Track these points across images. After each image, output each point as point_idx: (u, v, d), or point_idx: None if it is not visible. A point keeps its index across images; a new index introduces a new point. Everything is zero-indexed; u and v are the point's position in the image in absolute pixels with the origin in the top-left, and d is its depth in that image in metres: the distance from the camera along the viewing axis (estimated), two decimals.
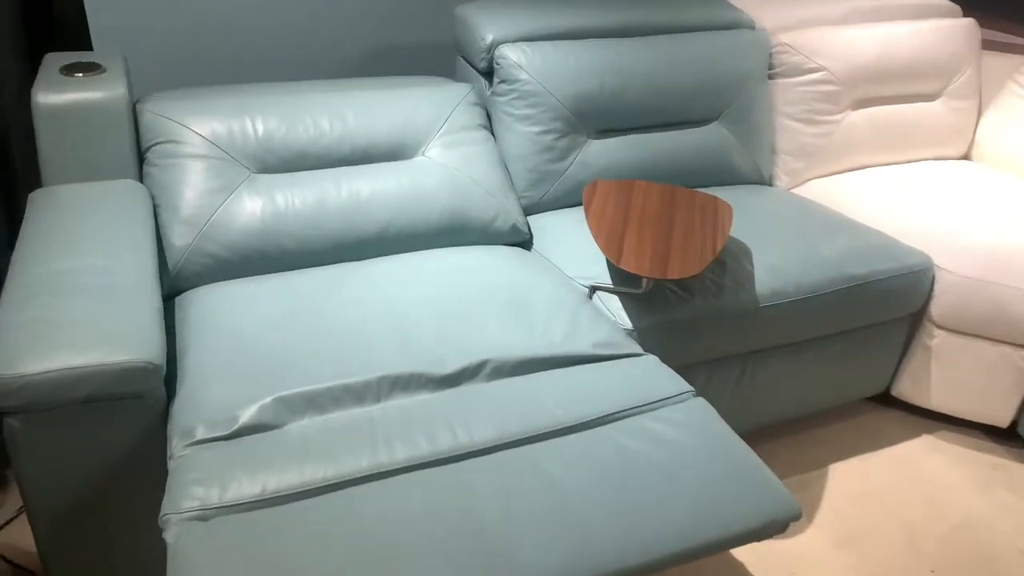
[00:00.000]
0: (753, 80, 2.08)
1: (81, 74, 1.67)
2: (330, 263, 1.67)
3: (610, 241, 1.41)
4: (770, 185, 2.18)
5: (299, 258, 1.63)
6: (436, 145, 1.79)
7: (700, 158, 2.04)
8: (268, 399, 1.16)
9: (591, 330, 1.37)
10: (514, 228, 1.81)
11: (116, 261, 1.35)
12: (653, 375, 1.27)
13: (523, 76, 1.88)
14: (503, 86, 1.90)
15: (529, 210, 1.93)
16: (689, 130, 2.04)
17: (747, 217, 1.84)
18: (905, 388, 1.89)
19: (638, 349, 1.35)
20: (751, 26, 2.17)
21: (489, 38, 1.92)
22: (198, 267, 1.57)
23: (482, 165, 1.80)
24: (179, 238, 1.57)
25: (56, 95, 1.58)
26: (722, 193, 2.01)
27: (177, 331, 1.41)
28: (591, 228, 1.46)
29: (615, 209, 1.54)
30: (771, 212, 1.90)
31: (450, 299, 1.46)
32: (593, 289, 1.57)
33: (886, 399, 1.98)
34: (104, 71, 1.68)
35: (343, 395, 1.18)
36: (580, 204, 1.97)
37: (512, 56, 1.88)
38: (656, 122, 2.00)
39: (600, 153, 1.94)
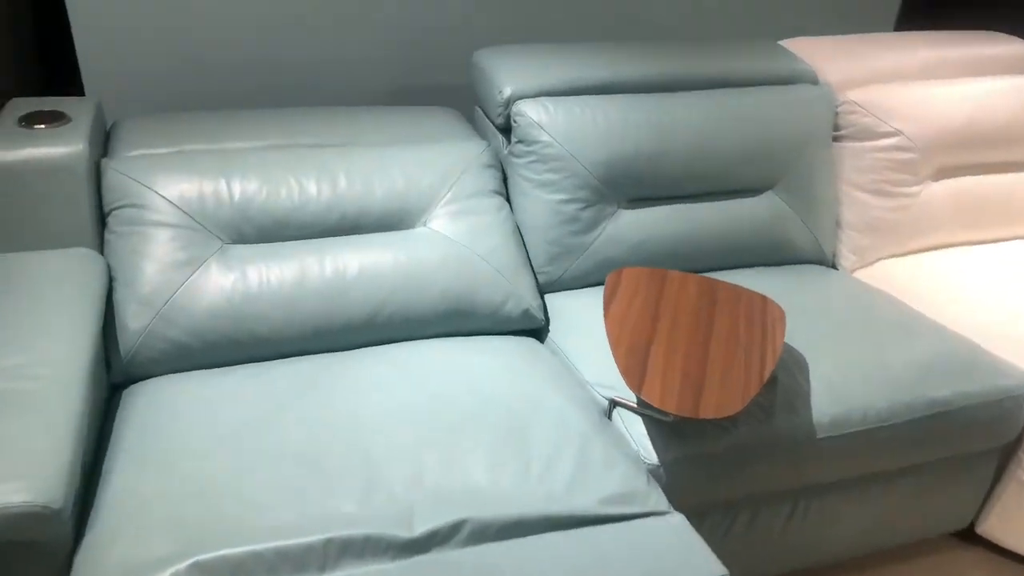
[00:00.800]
0: (815, 143, 1.80)
1: (43, 125, 1.47)
2: (311, 351, 1.44)
3: (631, 359, 1.15)
4: (832, 266, 1.88)
5: (273, 346, 1.41)
6: (440, 214, 1.55)
7: (752, 233, 1.76)
8: (183, 565, 0.92)
9: (604, 474, 1.11)
10: (526, 314, 1.55)
11: (38, 357, 1.13)
12: (677, 547, 1.00)
13: (544, 137, 1.63)
14: (521, 147, 1.66)
15: (548, 287, 1.67)
16: (739, 200, 1.77)
17: (803, 311, 1.55)
18: (992, 527, 1.58)
19: (662, 504, 1.08)
20: (813, 80, 1.89)
21: (507, 91, 1.67)
22: (155, 353, 1.35)
23: (493, 238, 1.55)
24: (134, 319, 1.35)
25: (5, 150, 1.38)
26: (777, 275, 1.73)
27: (111, 439, 1.19)
28: (610, 337, 1.20)
29: (641, 311, 1.28)
30: (832, 305, 1.61)
31: (436, 417, 1.21)
32: (613, 404, 1.31)
33: (969, 535, 1.66)
34: (68, 122, 1.49)
35: (279, 562, 0.94)
36: (601, 282, 1.70)
37: (532, 114, 1.64)
38: (700, 190, 1.73)
39: (632, 225, 1.68)
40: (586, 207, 1.65)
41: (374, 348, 1.44)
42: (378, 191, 1.53)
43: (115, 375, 1.35)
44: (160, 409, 1.24)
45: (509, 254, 1.56)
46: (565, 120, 1.63)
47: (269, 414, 1.20)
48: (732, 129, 1.72)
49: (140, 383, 1.34)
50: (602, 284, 1.70)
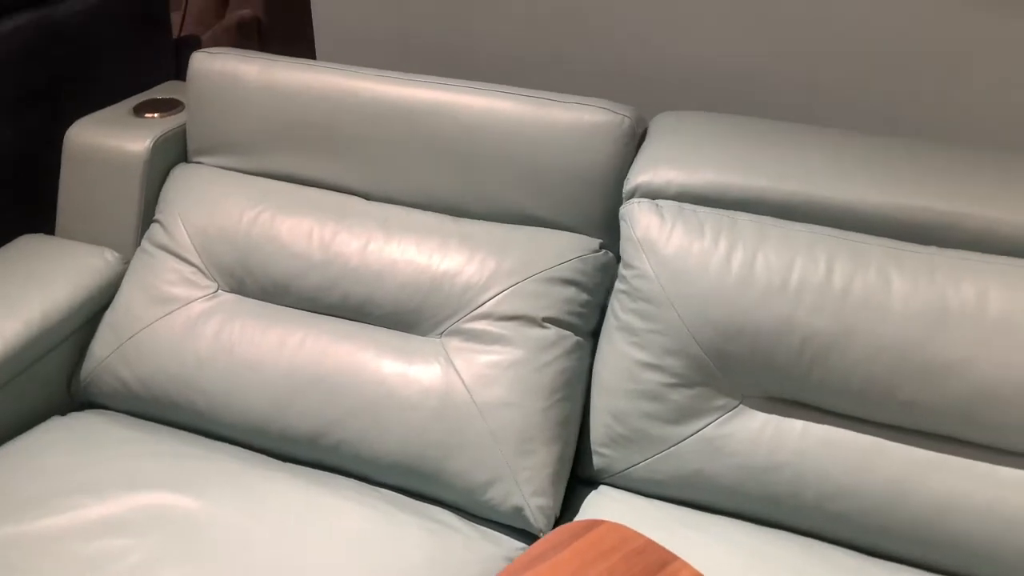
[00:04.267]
0: None
1: (156, 114, 1.41)
2: (248, 447, 1.16)
3: None
4: None
5: (208, 424, 1.17)
6: (464, 328, 1.11)
7: (1013, 535, 0.94)
8: None
9: None
10: (517, 513, 1.05)
11: None
12: None
13: (639, 261, 1.05)
14: (621, 267, 1.10)
15: (601, 476, 1.12)
16: (1003, 470, 0.96)
17: None
18: None
19: None
20: None
21: (635, 179, 1.12)
22: (107, 388, 1.22)
23: (509, 388, 1.07)
24: (100, 345, 1.23)
25: (85, 134, 1.35)
26: None
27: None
28: None
29: None
30: None
31: None
32: None
33: None
34: (176, 112, 1.40)
35: None
36: (688, 502, 1.08)
37: (638, 220, 1.07)
38: (915, 424, 0.97)
39: (763, 437, 1.02)
40: (679, 386, 1.04)
41: (311, 477, 1.08)
42: (394, 276, 1.15)
43: (73, 393, 1.25)
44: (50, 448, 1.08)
45: (524, 419, 1.06)
46: (681, 242, 1.03)
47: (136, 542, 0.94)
48: (996, 341, 0.91)
49: (87, 411, 1.22)
50: (684, 504, 1.08)
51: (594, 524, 0.83)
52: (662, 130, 1.18)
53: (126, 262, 1.31)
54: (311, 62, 1.30)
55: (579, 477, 1.16)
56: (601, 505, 1.08)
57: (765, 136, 1.13)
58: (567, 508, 1.10)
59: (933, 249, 0.99)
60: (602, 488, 1.12)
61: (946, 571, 0.99)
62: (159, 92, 1.50)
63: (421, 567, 0.93)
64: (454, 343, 1.11)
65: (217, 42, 2.22)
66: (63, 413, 1.21)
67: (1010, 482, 0.95)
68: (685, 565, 0.79)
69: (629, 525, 1.00)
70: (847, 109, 1.34)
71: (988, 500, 0.95)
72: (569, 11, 1.44)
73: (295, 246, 1.19)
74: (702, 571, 0.91)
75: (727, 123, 1.18)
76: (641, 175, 1.11)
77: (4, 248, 1.31)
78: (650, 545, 0.81)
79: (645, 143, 1.18)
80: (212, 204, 1.26)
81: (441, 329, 1.13)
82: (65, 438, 1.11)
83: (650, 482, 1.08)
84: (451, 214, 1.23)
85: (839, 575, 0.96)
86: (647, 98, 1.47)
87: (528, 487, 1.04)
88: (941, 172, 1.04)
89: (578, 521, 0.84)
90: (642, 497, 1.09)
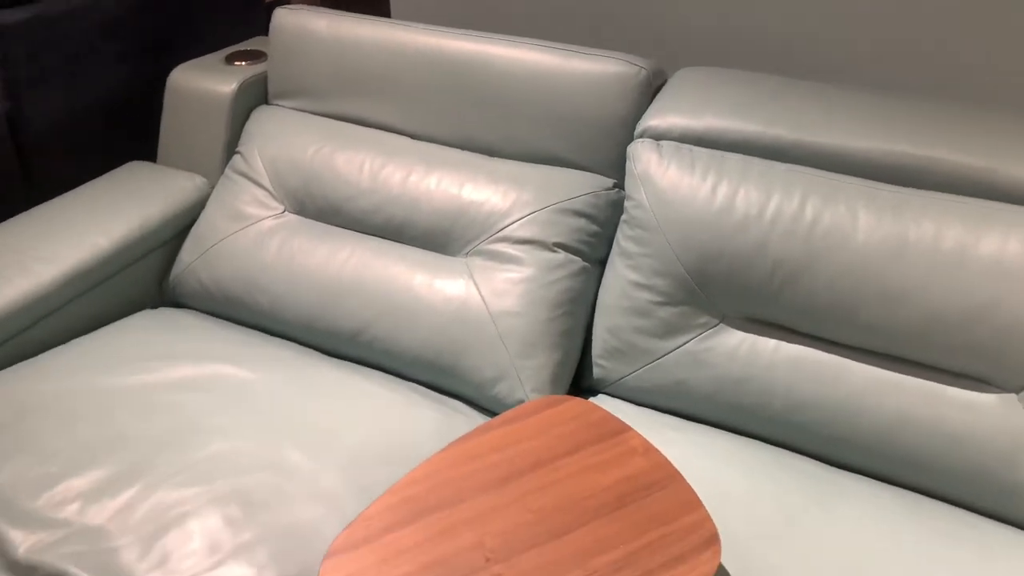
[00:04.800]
0: None
1: (243, 63, 1.64)
2: (302, 342, 1.36)
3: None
4: None
5: (270, 322, 1.37)
6: (483, 250, 1.28)
7: (955, 451, 1.04)
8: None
9: None
10: (519, 405, 1.20)
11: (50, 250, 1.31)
12: None
13: (638, 192, 1.19)
14: (625, 198, 1.25)
15: (600, 386, 1.27)
16: (949, 390, 1.06)
17: None
18: None
19: None
20: None
21: (646, 122, 1.26)
22: (188, 288, 1.44)
23: (519, 300, 1.23)
24: (186, 252, 1.46)
25: (183, 77, 1.58)
26: (988, 545, 1.00)
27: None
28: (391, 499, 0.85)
29: (509, 480, 0.87)
30: None
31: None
32: None
33: None
34: (260, 62, 1.62)
35: None
36: (673, 411, 1.21)
37: (640, 156, 1.21)
38: (876, 347, 1.08)
39: (738, 353, 1.14)
40: (665, 304, 1.17)
41: (351, 370, 1.27)
42: (430, 202, 1.32)
43: (163, 293, 1.49)
44: (132, 333, 1.31)
45: (529, 326, 1.22)
46: (673, 176, 1.16)
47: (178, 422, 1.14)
48: (967, 276, 1.01)
49: (173, 308, 1.45)
50: (670, 412, 1.21)
51: (563, 399, 0.99)
52: (679, 82, 1.31)
53: (212, 186, 1.54)
54: (371, 18, 1.48)
55: (582, 387, 1.31)
56: None
57: (771, 89, 1.24)
58: None
59: (906, 190, 1.08)
60: (600, 396, 1.27)
61: (901, 483, 1.10)
62: (249, 45, 1.71)
63: (428, 435, 1.11)
64: (476, 262, 1.28)
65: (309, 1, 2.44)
66: (154, 308, 1.45)
67: (955, 402, 1.04)
68: (636, 435, 0.93)
69: None
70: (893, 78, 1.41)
71: (935, 418, 1.04)
72: None
73: (348, 175, 1.38)
74: (678, 468, 1.04)
75: (740, 77, 1.29)
76: (650, 120, 1.25)
77: (114, 172, 1.56)
78: (608, 417, 0.96)
79: (660, 92, 1.31)
80: (284, 139, 1.46)
81: (467, 250, 1.30)
82: (152, 324, 1.34)
83: (640, 391, 1.22)
84: (484, 153, 1.40)
85: (801, 478, 1.07)
86: (692, 59, 1.58)
87: (529, 384, 1.20)
88: (926, 122, 1.13)
89: (549, 396, 0.99)
90: (632, 405, 1.23)
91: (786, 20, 1.47)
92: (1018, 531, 1.01)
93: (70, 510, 0.93)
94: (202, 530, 0.91)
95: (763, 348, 1.13)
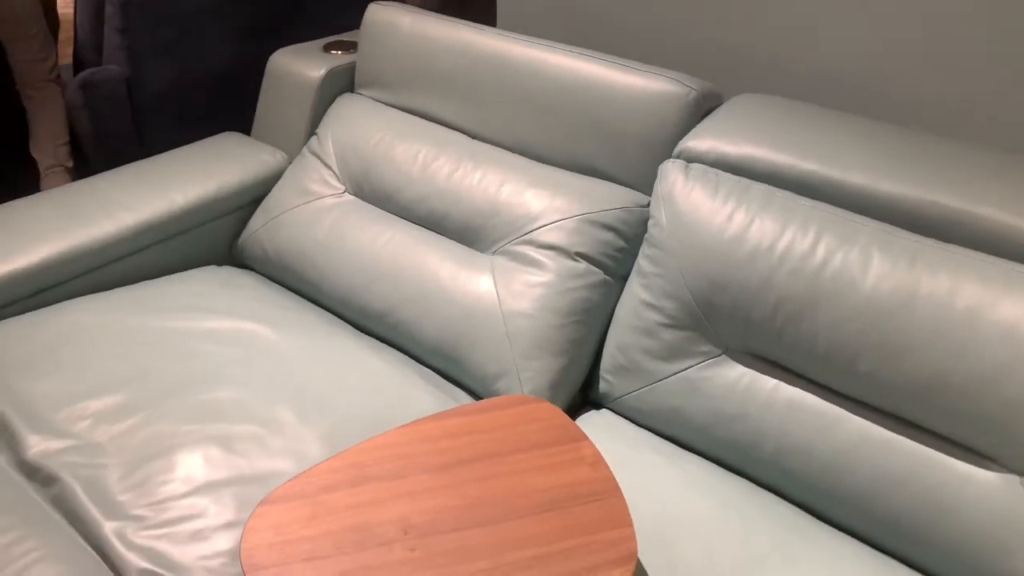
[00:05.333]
0: None
1: (339, 52, 1.76)
2: (342, 316, 1.45)
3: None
4: None
5: (315, 293, 1.48)
6: (510, 250, 1.32)
7: (945, 525, 0.98)
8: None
9: None
10: None
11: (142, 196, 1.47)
12: None
13: (659, 213, 1.19)
14: (649, 217, 1.25)
15: (604, 400, 1.28)
16: (952, 461, 0.99)
17: None
18: None
19: None
20: None
21: (684, 143, 1.25)
22: (252, 252, 1.57)
23: (532, 303, 1.26)
24: (255, 219, 1.59)
25: (282, 60, 1.72)
26: None
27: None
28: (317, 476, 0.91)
29: (458, 472, 0.91)
30: None
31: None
32: None
33: None
34: (353, 51, 1.74)
35: None
36: (670, 437, 1.21)
37: (669, 176, 1.21)
38: (874, 402, 1.03)
39: (737, 388, 1.12)
40: (670, 326, 1.17)
41: (373, 347, 1.34)
42: (471, 198, 1.38)
43: (233, 254, 1.63)
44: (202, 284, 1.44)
45: (537, 330, 1.24)
46: (695, 199, 1.16)
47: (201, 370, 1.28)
48: (994, 340, 0.95)
49: (235, 268, 1.58)
50: (668, 438, 1.21)
51: (532, 400, 1.01)
52: (731, 106, 1.29)
53: (291, 162, 1.66)
54: (451, 19, 1.55)
55: (591, 400, 1.32)
56: (591, 421, 1.23)
57: (818, 122, 1.21)
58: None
59: (928, 240, 1.03)
60: (603, 411, 1.27)
61: (882, 548, 1.04)
62: (349, 35, 1.83)
63: (416, 416, 1.16)
64: (501, 261, 1.32)
65: (424, 4, 2.56)
66: (219, 266, 1.58)
67: (952, 473, 0.98)
68: (590, 444, 0.94)
69: (609, 441, 1.17)
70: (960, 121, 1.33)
71: (928, 486, 0.98)
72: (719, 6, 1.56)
73: (402, 165, 1.46)
74: (654, 490, 1.04)
75: (792, 108, 1.26)
76: (689, 141, 1.24)
77: (208, 139, 1.71)
78: (570, 424, 0.97)
79: (710, 116, 1.30)
80: (355, 125, 1.56)
81: (495, 248, 1.34)
82: (210, 279, 1.47)
83: (638, 411, 1.22)
84: (532, 158, 1.43)
85: (775, 524, 1.04)
86: (767, 87, 1.55)
87: (528, 385, 1.23)
88: (965, 171, 1.06)
89: (520, 395, 1.01)
90: (629, 423, 1.23)
91: (873, 58, 1.41)
92: None
93: (81, 426, 1.05)
94: (183, 463, 1.00)
95: (762, 387, 1.10)
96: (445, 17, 1.57)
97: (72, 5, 1.90)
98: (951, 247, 1.01)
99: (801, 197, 1.11)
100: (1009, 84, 1.27)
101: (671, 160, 1.22)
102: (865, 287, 1.01)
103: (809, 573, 0.95)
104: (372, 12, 1.63)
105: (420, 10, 1.60)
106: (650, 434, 1.21)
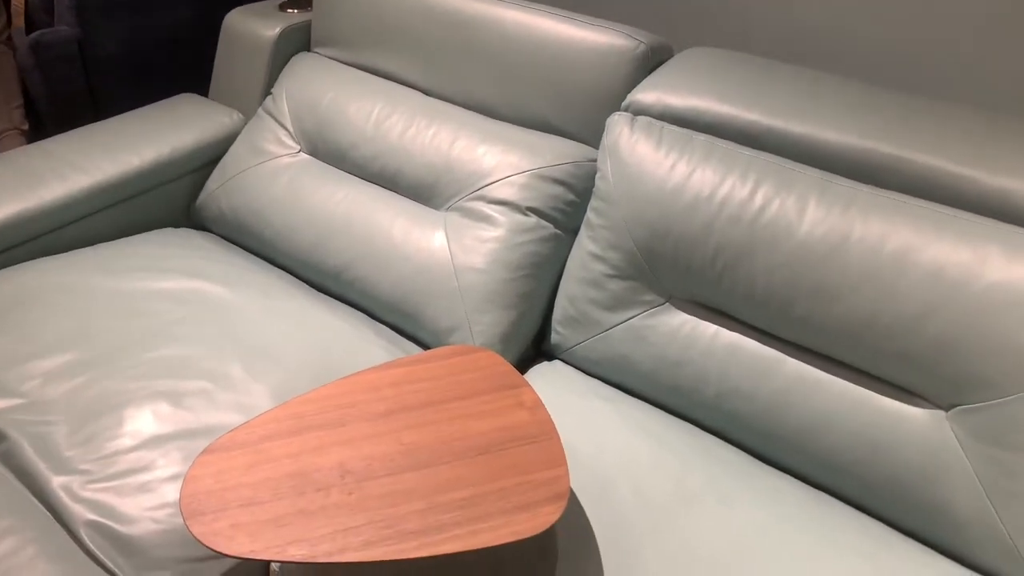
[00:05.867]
0: None
1: (295, 10, 1.74)
2: (296, 274, 1.46)
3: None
4: None
5: (271, 252, 1.48)
6: (463, 206, 1.33)
7: (878, 460, 1.01)
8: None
9: None
10: None
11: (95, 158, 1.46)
12: None
13: (604, 164, 1.20)
14: (597, 170, 1.26)
15: (556, 351, 1.30)
16: (882, 400, 1.02)
17: None
18: None
19: None
20: None
21: (632, 96, 1.26)
22: (210, 214, 1.57)
23: (482, 258, 1.27)
24: (212, 180, 1.58)
25: (237, 19, 1.70)
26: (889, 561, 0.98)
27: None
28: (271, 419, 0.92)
29: (399, 418, 0.93)
30: None
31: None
32: None
33: None
34: (308, 9, 1.72)
35: None
36: (618, 385, 1.23)
37: (615, 128, 1.21)
38: (811, 344, 1.06)
39: (679, 335, 1.14)
40: (615, 277, 1.18)
41: (333, 306, 1.36)
42: (422, 155, 1.38)
43: (191, 215, 1.63)
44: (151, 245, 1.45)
45: (488, 284, 1.26)
46: (639, 151, 1.17)
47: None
48: (921, 282, 0.97)
49: (192, 230, 1.58)
50: (617, 386, 1.23)
51: (474, 350, 1.03)
52: (680, 60, 1.30)
53: (247, 122, 1.65)
54: None
55: (544, 352, 1.34)
56: (541, 372, 1.25)
57: (765, 74, 1.21)
58: (520, 370, 1.29)
59: (863, 186, 1.04)
60: (555, 362, 1.29)
61: (819, 485, 1.07)
62: None
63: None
64: (454, 217, 1.33)
65: None
66: (177, 228, 1.58)
67: (882, 411, 1.00)
68: (530, 390, 0.96)
69: (558, 389, 1.19)
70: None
71: (859, 424, 1.01)
72: None
73: (356, 123, 1.46)
74: (594, 432, 1.06)
75: (740, 61, 1.26)
76: (637, 94, 1.24)
77: (164, 101, 1.70)
78: (511, 372, 0.99)
79: (659, 69, 1.30)
80: (309, 84, 1.55)
81: (448, 204, 1.35)
82: (167, 240, 1.47)
83: (588, 360, 1.24)
84: (486, 114, 1.43)
85: (713, 464, 1.07)
86: (732, 43, 1.55)
87: (480, 338, 1.25)
88: (904, 120, 1.07)
89: (464, 345, 1.03)
90: (580, 372, 1.25)
91: (840, 15, 1.41)
92: (924, 549, 0.97)
93: (31, 385, 1.06)
94: (131, 419, 1.02)
95: (703, 332, 1.13)
96: None
97: None
98: (886, 192, 1.02)
99: (743, 147, 1.12)
100: (971, 36, 1.28)
101: (618, 113, 1.23)
102: (800, 232, 1.02)
103: (744, 511, 0.98)
104: None
105: None
106: (599, 382, 1.23)
